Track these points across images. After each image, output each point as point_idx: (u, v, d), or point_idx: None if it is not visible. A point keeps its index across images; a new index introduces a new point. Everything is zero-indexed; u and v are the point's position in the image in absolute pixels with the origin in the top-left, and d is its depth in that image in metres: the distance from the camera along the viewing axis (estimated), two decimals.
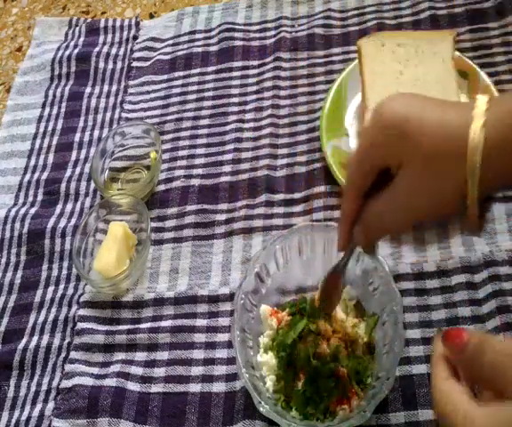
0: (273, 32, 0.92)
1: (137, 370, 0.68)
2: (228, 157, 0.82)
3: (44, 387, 0.69)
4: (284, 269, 0.66)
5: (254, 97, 0.86)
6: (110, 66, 0.94)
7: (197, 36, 0.95)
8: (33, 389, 0.70)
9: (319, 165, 0.78)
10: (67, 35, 0.99)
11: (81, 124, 0.89)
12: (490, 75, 0.79)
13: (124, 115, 0.88)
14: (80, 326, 0.71)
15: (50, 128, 0.90)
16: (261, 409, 0.57)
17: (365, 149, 0.48)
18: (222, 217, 0.77)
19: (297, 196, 0.77)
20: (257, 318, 0.64)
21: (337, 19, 0.91)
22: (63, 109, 0.91)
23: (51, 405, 0.68)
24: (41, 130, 0.90)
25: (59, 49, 0.97)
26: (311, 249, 0.66)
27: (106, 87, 0.92)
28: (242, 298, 0.63)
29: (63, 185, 0.84)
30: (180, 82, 0.90)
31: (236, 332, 0.61)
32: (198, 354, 0.68)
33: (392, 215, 0.48)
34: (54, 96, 0.93)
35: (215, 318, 0.70)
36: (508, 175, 0.43)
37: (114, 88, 0.92)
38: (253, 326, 0.63)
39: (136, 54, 0.95)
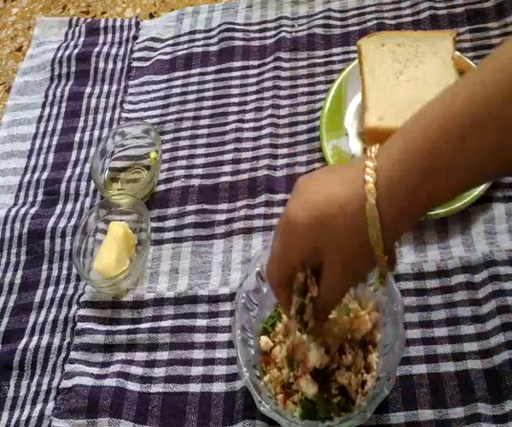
0: (273, 32, 0.92)
1: (137, 370, 0.68)
2: (228, 157, 0.82)
3: (44, 387, 0.69)
4: None
5: (254, 97, 0.86)
6: (110, 66, 0.94)
7: (197, 36, 0.95)
8: (33, 389, 0.70)
9: (319, 165, 0.78)
10: (67, 35, 0.99)
11: (81, 124, 0.89)
12: None
13: (123, 115, 0.88)
14: (80, 326, 0.71)
15: (50, 128, 0.90)
16: (262, 408, 0.57)
17: (285, 257, 0.53)
18: (222, 217, 0.77)
19: None
20: (258, 318, 0.64)
21: (337, 19, 0.91)
22: (63, 109, 0.91)
23: (51, 405, 0.68)
24: (41, 130, 0.90)
25: (59, 49, 0.97)
26: None
27: (106, 87, 0.92)
28: (243, 297, 0.63)
29: (63, 185, 0.84)
30: (179, 82, 0.90)
31: (237, 331, 0.61)
32: (198, 354, 0.68)
33: (334, 293, 0.54)
34: (54, 96, 0.93)
35: (215, 318, 0.70)
36: (402, 226, 0.49)
37: (114, 88, 0.92)
38: (254, 325, 0.63)
39: (136, 54, 0.95)
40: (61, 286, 0.76)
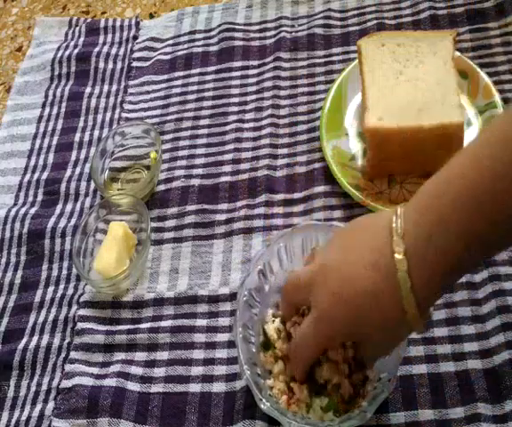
0: (273, 32, 0.92)
1: (137, 370, 0.68)
2: (228, 157, 0.82)
3: (44, 387, 0.69)
4: (288, 268, 0.66)
5: (254, 97, 0.86)
6: (110, 66, 0.94)
7: (197, 36, 0.95)
8: (33, 389, 0.70)
9: (319, 165, 0.78)
10: (67, 35, 0.99)
11: (81, 124, 0.89)
12: (490, 75, 0.79)
13: (123, 115, 0.88)
14: (80, 326, 0.71)
15: (50, 128, 0.90)
16: (262, 406, 0.57)
17: (315, 345, 0.55)
18: (222, 217, 0.77)
19: (297, 196, 0.77)
20: (259, 316, 0.64)
21: (337, 19, 0.91)
22: (63, 109, 0.91)
23: (51, 405, 0.68)
24: (41, 130, 0.90)
25: (59, 49, 0.97)
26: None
27: (106, 87, 0.92)
28: (245, 295, 0.63)
29: (63, 185, 0.84)
30: (179, 82, 0.90)
31: (239, 328, 0.61)
32: (198, 354, 0.68)
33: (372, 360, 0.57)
34: (54, 96, 0.93)
35: (215, 318, 0.70)
36: (437, 290, 0.49)
37: (114, 88, 0.92)
38: (256, 323, 0.63)
39: (136, 54, 0.95)
40: (61, 286, 0.76)
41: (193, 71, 0.91)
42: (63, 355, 0.71)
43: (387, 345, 0.54)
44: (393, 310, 0.48)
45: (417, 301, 0.47)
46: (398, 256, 0.46)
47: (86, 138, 0.88)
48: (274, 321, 0.63)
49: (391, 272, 0.47)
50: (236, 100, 0.87)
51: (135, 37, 0.97)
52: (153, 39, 0.96)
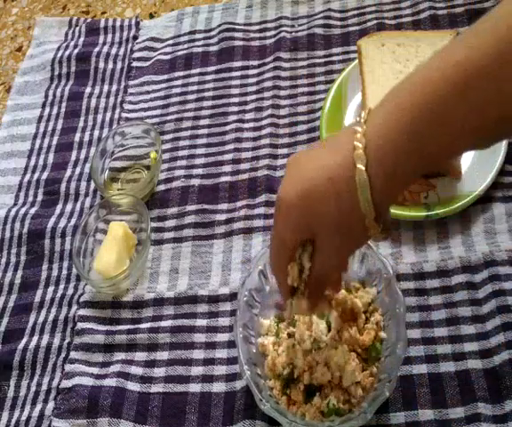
0: (273, 32, 0.92)
1: (137, 370, 0.68)
2: (228, 157, 0.82)
3: (44, 387, 0.69)
4: None
5: (254, 97, 0.86)
6: (110, 66, 0.94)
7: (197, 36, 0.95)
8: (33, 389, 0.70)
9: None
10: (67, 35, 0.99)
11: (81, 124, 0.89)
12: None
13: (124, 115, 0.88)
14: (80, 326, 0.71)
15: (50, 128, 0.90)
16: (262, 407, 0.57)
17: (281, 239, 0.52)
18: (222, 217, 0.77)
19: None
20: (260, 316, 0.64)
21: (337, 19, 0.91)
22: (63, 109, 0.91)
23: (51, 405, 0.68)
24: (41, 130, 0.90)
25: (59, 49, 0.97)
26: None
27: (106, 87, 0.92)
28: (245, 295, 0.63)
29: (63, 185, 0.84)
30: (179, 82, 0.90)
31: (239, 329, 0.61)
32: (198, 354, 0.68)
33: (328, 268, 0.53)
34: (54, 96, 0.93)
35: (215, 318, 0.70)
36: (393, 190, 0.48)
37: (114, 88, 0.92)
38: (256, 323, 0.63)
39: (136, 54, 0.95)
40: (61, 286, 0.76)
41: (193, 71, 0.91)
42: (63, 355, 0.71)
43: (340, 245, 0.50)
44: (349, 199, 0.47)
45: (372, 187, 0.46)
46: (358, 151, 0.46)
47: (86, 138, 0.88)
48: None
49: (349, 162, 0.46)
50: (236, 100, 0.87)
51: (135, 37, 0.97)
52: (153, 39, 0.96)
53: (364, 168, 0.45)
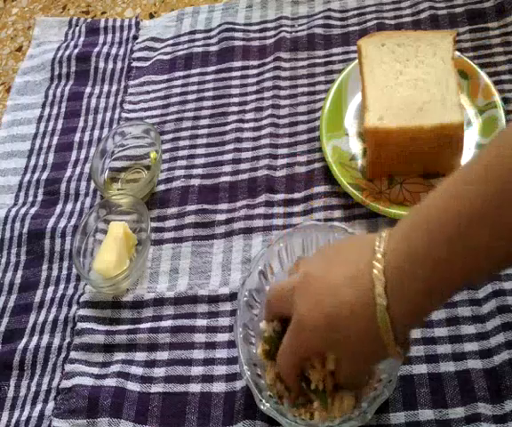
0: (273, 32, 0.92)
1: (137, 370, 0.68)
2: (228, 157, 0.82)
3: (44, 387, 0.69)
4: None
5: (254, 97, 0.86)
6: (110, 66, 0.94)
7: (197, 36, 0.95)
8: (33, 389, 0.70)
9: (319, 165, 0.78)
10: (67, 35, 0.99)
11: (81, 124, 0.89)
12: (490, 75, 0.79)
13: (124, 115, 0.88)
14: (80, 326, 0.71)
15: (50, 128, 0.90)
16: (262, 407, 0.57)
17: (293, 353, 0.55)
18: (222, 217, 0.77)
19: (297, 196, 0.77)
20: (260, 317, 0.64)
21: (337, 19, 0.91)
22: (63, 109, 0.91)
23: (51, 405, 0.68)
24: (41, 130, 0.90)
25: (59, 49, 0.97)
26: (316, 249, 0.66)
27: (106, 87, 0.92)
28: (245, 295, 0.63)
29: (63, 185, 0.84)
30: (179, 82, 0.90)
31: (239, 329, 0.61)
32: (198, 354, 0.68)
33: (349, 380, 0.56)
34: (54, 96, 0.93)
35: (215, 318, 0.70)
36: (413, 323, 0.51)
37: (114, 88, 0.92)
38: (256, 324, 0.63)
39: (136, 54, 0.95)
40: (61, 286, 0.76)
41: (193, 71, 0.91)
42: (63, 355, 0.71)
43: (361, 365, 0.54)
44: (367, 324, 0.49)
45: (392, 323, 0.48)
46: (377, 277, 0.47)
47: (86, 138, 0.88)
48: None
49: (368, 288, 0.48)
50: (236, 100, 0.87)
51: (135, 37, 0.97)
52: (153, 39, 0.96)
53: (385, 307, 0.47)
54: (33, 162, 0.87)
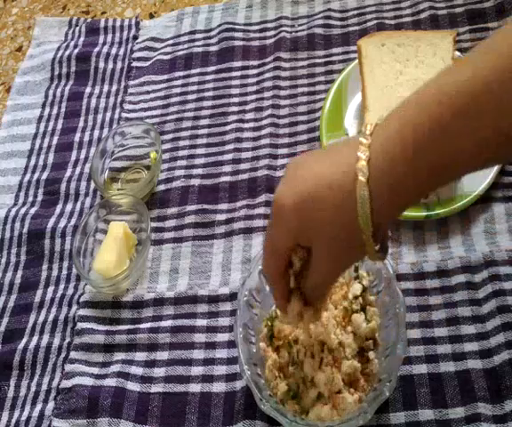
0: (273, 32, 0.92)
1: (137, 370, 0.68)
2: (228, 157, 0.82)
3: (44, 387, 0.69)
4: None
5: (254, 97, 0.86)
6: (110, 66, 0.94)
7: (197, 36, 0.95)
8: (33, 389, 0.70)
9: None
10: (67, 35, 0.99)
11: (81, 124, 0.89)
12: None
13: (124, 115, 0.88)
14: (80, 326, 0.71)
15: (50, 128, 0.90)
16: (262, 407, 0.57)
17: (274, 244, 0.51)
18: (222, 217, 0.77)
19: None
20: (260, 316, 0.64)
21: (337, 19, 0.91)
22: (63, 109, 0.91)
23: (51, 405, 0.68)
24: (41, 130, 0.90)
25: (59, 49, 0.97)
26: None
27: (106, 87, 0.92)
28: (245, 295, 0.63)
29: (63, 185, 0.84)
30: (179, 82, 0.90)
31: (239, 328, 0.61)
32: (198, 354, 0.68)
33: (322, 279, 0.52)
34: (54, 96, 0.93)
35: (215, 318, 0.70)
36: (394, 209, 0.48)
37: (114, 88, 0.92)
38: (256, 324, 0.63)
39: (136, 54, 0.95)
40: (61, 286, 0.76)
41: (193, 71, 0.91)
42: (63, 355, 0.71)
43: (334, 255, 0.50)
44: (347, 210, 0.46)
45: (372, 202, 0.45)
46: (361, 162, 0.45)
47: (86, 138, 0.88)
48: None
49: (350, 175, 0.45)
50: (236, 100, 0.87)
51: (135, 37, 0.97)
52: (153, 39, 0.96)
53: (365, 180, 0.45)
54: (33, 162, 0.87)
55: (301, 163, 0.51)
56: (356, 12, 0.91)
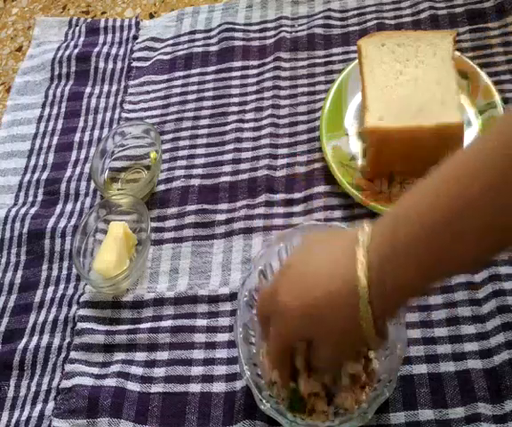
0: (273, 32, 0.92)
1: (137, 370, 0.68)
2: (228, 157, 0.82)
3: (44, 387, 0.69)
4: None
5: (254, 97, 0.86)
6: (110, 66, 0.94)
7: (197, 36, 0.95)
8: (33, 389, 0.70)
9: (319, 165, 0.78)
10: (67, 35, 0.99)
11: (81, 124, 0.89)
12: (490, 75, 0.79)
13: (124, 115, 0.88)
14: (80, 326, 0.71)
15: (50, 128, 0.90)
16: (262, 407, 0.57)
17: (280, 341, 0.55)
18: (222, 217, 0.77)
19: (297, 196, 0.77)
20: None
21: (337, 19, 0.91)
22: (63, 109, 0.91)
23: (51, 405, 0.68)
24: (41, 130, 0.90)
25: (59, 49, 0.97)
26: None
27: (106, 87, 0.92)
28: (245, 295, 0.63)
29: (63, 185, 0.84)
30: (179, 82, 0.90)
31: (239, 329, 0.61)
32: (198, 354, 0.68)
33: (325, 365, 0.57)
34: (54, 96, 0.93)
35: (215, 318, 0.70)
36: (393, 313, 0.52)
37: (114, 88, 0.92)
38: (256, 324, 0.63)
39: (136, 54, 0.95)
40: (61, 286, 0.76)
41: (193, 71, 0.91)
42: (63, 355, 0.71)
43: (339, 352, 0.54)
44: (349, 315, 0.49)
45: (374, 314, 0.48)
46: (360, 273, 0.48)
47: (86, 138, 0.88)
48: None
49: (351, 282, 0.48)
50: (236, 100, 0.87)
51: (135, 37, 0.97)
52: (153, 39, 0.96)
53: (366, 290, 0.47)
54: (33, 162, 0.87)
55: (301, 259, 0.54)
56: (355, 12, 0.91)
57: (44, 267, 0.78)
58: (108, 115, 0.89)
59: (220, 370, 0.67)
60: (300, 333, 0.53)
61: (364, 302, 0.48)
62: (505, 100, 0.77)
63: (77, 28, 1.00)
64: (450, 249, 0.45)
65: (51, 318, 0.74)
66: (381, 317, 0.49)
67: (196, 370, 0.67)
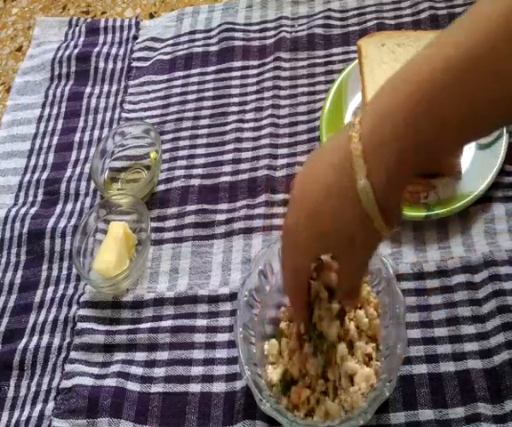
0: (273, 32, 0.92)
1: (137, 370, 0.68)
2: (228, 157, 0.82)
3: (44, 387, 0.69)
4: None
5: (254, 97, 0.86)
6: (110, 66, 0.94)
7: (197, 36, 0.95)
8: (33, 389, 0.70)
9: None
10: (67, 35, 0.99)
11: (81, 124, 0.89)
12: None
13: (124, 115, 0.88)
14: (80, 326, 0.71)
15: (50, 128, 0.90)
16: (262, 407, 0.57)
17: (291, 268, 0.54)
18: (222, 217, 0.77)
19: None
20: (260, 317, 0.64)
21: (337, 19, 0.91)
22: (63, 109, 0.91)
23: (51, 405, 0.68)
24: (41, 130, 0.90)
25: (59, 49, 0.97)
26: None
27: (106, 87, 0.92)
28: (245, 295, 0.63)
29: (63, 185, 0.84)
30: (179, 82, 0.90)
31: (239, 329, 0.61)
32: (198, 354, 0.68)
33: (352, 276, 0.55)
34: (54, 96, 0.93)
35: (215, 318, 0.70)
36: (397, 191, 0.48)
37: (114, 88, 0.92)
38: (256, 324, 0.63)
39: (136, 54, 0.95)
40: (61, 286, 0.76)
41: (193, 71, 0.91)
42: (63, 355, 0.71)
43: (359, 255, 0.51)
44: (355, 210, 0.47)
45: (375, 194, 0.46)
46: (357, 159, 0.46)
47: (86, 138, 0.88)
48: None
49: (350, 173, 0.46)
50: (236, 100, 0.87)
51: (135, 37, 0.97)
52: (153, 39, 0.96)
53: (365, 177, 0.45)
54: (33, 162, 0.87)
55: (302, 178, 0.52)
56: (356, 12, 0.91)
57: (44, 267, 0.78)
58: (108, 115, 0.89)
59: (220, 370, 0.67)
60: (310, 249, 0.51)
61: (364, 189, 0.45)
62: None
63: (77, 28, 1.00)
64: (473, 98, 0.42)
65: (51, 318, 0.74)
66: (386, 200, 0.46)
67: (196, 370, 0.67)
